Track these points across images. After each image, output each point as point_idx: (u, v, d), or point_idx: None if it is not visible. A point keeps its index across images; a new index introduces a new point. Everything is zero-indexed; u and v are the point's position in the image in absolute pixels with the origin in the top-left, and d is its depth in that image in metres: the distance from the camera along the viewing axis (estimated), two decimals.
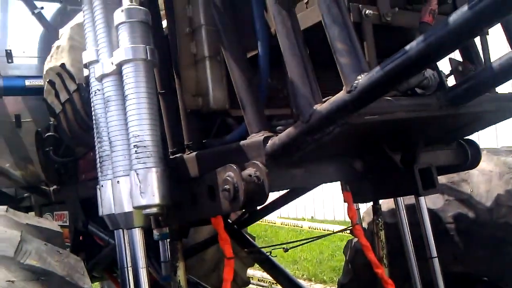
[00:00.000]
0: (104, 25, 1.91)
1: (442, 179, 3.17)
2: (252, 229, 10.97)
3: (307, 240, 2.90)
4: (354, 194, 1.93)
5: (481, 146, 2.29)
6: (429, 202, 3.12)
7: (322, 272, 7.30)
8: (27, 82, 3.73)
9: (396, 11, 1.61)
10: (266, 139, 1.63)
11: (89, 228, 3.36)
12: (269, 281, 7.10)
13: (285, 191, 3.06)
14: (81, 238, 3.78)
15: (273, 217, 12.96)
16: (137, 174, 1.70)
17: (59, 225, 3.81)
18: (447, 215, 2.99)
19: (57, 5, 4.39)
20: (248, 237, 3.37)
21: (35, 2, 4.10)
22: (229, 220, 3.22)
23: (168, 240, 2.12)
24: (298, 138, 1.51)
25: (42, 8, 4.10)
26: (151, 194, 1.69)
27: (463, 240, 2.94)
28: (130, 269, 1.84)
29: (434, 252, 2.76)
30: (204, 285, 3.00)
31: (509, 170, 2.96)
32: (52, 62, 2.79)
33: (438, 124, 1.78)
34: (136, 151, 1.71)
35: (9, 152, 3.92)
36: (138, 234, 1.84)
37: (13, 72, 4.07)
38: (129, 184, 1.73)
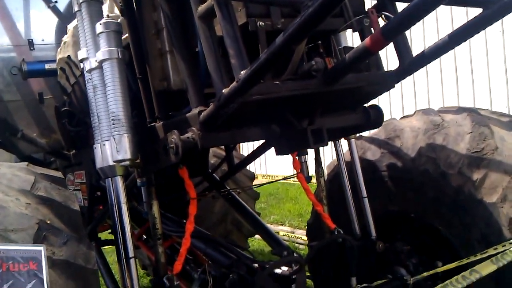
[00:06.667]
0: (90, 33, 2.64)
1: (381, 135, 3.85)
2: (266, 188, 11.75)
3: (258, 185, 3.63)
4: (275, 149, 2.65)
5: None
6: (370, 154, 3.81)
7: None
8: (47, 66, 4.50)
9: (283, 20, 2.28)
10: (200, 113, 2.35)
11: (100, 183, 4.16)
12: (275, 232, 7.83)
13: (253, 148, 3.81)
14: (99, 193, 4.61)
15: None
16: (114, 138, 2.46)
17: (79, 182, 4.66)
18: (382, 164, 3.65)
19: None
20: (226, 185, 4.11)
21: None
22: (209, 170, 3.98)
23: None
24: (215, 111, 2.23)
25: (56, 1, 4.84)
26: (124, 152, 2.46)
27: (394, 185, 3.61)
28: (116, 205, 2.62)
29: (364, 193, 3.47)
30: (179, 220, 3.72)
31: (434, 127, 3.57)
32: (61, 53, 3.56)
33: (323, 97, 2.46)
34: (113, 123, 2.47)
35: (35, 123, 4.73)
36: (120, 180, 2.61)
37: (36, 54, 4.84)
38: (110, 145, 2.51)
